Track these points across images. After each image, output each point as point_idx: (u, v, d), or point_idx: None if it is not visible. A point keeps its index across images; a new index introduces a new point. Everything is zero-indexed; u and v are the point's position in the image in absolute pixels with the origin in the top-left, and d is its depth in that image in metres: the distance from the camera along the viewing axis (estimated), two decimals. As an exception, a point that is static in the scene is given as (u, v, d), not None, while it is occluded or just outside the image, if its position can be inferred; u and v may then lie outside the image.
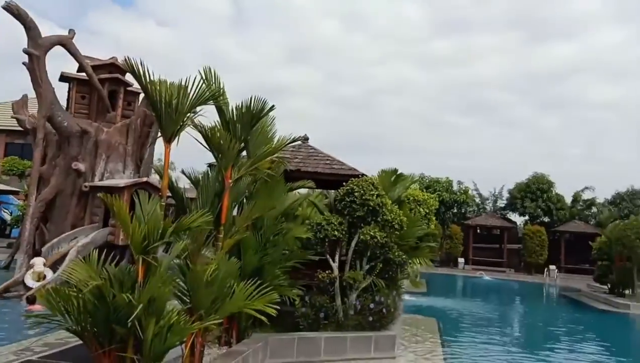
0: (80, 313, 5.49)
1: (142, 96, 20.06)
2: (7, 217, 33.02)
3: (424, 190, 27.70)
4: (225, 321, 8.21)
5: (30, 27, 16.98)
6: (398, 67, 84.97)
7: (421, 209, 17.77)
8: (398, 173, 12.68)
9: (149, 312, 5.58)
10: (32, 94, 18.42)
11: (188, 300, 7.08)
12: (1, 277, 16.44)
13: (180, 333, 5.92)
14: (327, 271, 9.75)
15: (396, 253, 10.31)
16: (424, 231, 13.11)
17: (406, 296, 16.11)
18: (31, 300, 12.13)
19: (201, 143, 8.18)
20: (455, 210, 40.09)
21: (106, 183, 18.20)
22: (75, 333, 5.70)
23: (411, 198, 17.63)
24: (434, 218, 20.19)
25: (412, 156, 73.15)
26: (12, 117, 20.36)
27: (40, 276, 14.86)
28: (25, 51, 16.94)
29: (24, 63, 17.37)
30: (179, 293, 7.14)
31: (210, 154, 8.29)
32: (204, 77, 7.61)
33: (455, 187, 39.27)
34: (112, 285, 5.69)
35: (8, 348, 8.31)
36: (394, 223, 10.22)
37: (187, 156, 10.24)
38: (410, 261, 12.07)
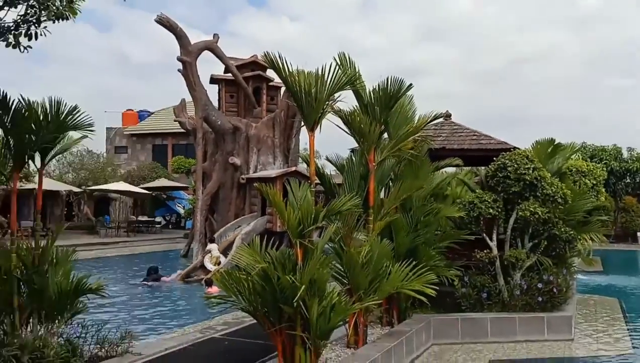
0: (250, 294, 6.07)
1: (283, 89, 21.12)
2: (181, 211, 37.04)
3: (588, 160, 25.25)
4: (384, 302, 8.44)
5: (180, 36, 18.75)
6: (541, 33, 78.13)
7: (587, 181, 16.32)
8: (555, 143, 11.73)
9: (312, 293, 6.00)
10: (189, 98, 20.42)
11: (346, 282, 7.44)
12: (183, 264, 18.62)
13: (343, 313, 6.27)
14: (485, 251, 9.48)
15: (562, 229, 9.63)
16: (593, 204, 12.04)
17: (579, 276, 14.89)
18: (209, 283, 13.57)
19: (342, 129, 8.45)
20: (628, 180, 35.71)
21: (260, 174, 19.56)
22: (249, 313, 6.34)
23: (573, 169, 16.30)
24: (603, 190, 18.37)
25: (565, 125, 66.47)
26: (174, 120, 22.70)
27: (217, 261, 16.50)
28: (179, 59, 18.76)
29: (179, 70, 19.24)
30: (337, 275, 7.53)
31: (352, 139, 8.53)
32: (339, 64, 7.83)
33: (625, 154, 34.96)
34: (275, 267, 6.20)
35: (195, 326, 9.46)
36: (556, 197, 9.53)
37: (329, 143, 10.63)
38: (579, 237, 11.15)
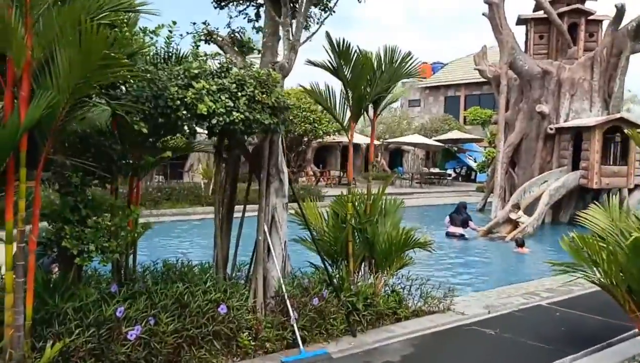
0: (610, 267, 5.00)
1: (605, 22, 17.98)
2: (472, 163, 36.16)
3: None
4: None
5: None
6: None
7: None
8: None
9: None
10: (489, 45, 19.10)
11: None
12: (478, 219, 17.89)
13: None
14: None
15: None
16: None
17: None
18: (521, 243, 12.57)
19: None
20: None
21: (573, 123, 17.27)
22: (605, 289, 5.28)
23: None
24: None
25: None
26: (474, 69, 21.64)
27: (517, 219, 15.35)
28: (485, 1, 17.54)
29: (483, 14, 18.03)
30: None
31: None
32: None
33: None
34: None
35: (512, 289, 8.67)
36: None
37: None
38: None
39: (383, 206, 6.55)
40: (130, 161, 5.49)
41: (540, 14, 18.68)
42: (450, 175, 35.73)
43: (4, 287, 4.29)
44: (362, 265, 6.58)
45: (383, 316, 6.17)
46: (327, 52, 6.08)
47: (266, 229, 5.85)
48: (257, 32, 6.86)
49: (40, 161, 4.21)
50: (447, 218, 14.94)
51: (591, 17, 18.23)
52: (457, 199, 27.26)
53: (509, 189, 19.09)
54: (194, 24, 6.28)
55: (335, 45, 5.83)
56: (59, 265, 5.26)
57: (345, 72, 6.05)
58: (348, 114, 6.47)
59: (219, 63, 4.91)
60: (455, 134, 33.48)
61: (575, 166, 17.17)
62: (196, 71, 4.65)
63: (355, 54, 5.85)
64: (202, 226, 14.41)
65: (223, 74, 4.95)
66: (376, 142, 33.38)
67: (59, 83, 3.92)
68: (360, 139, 31.91)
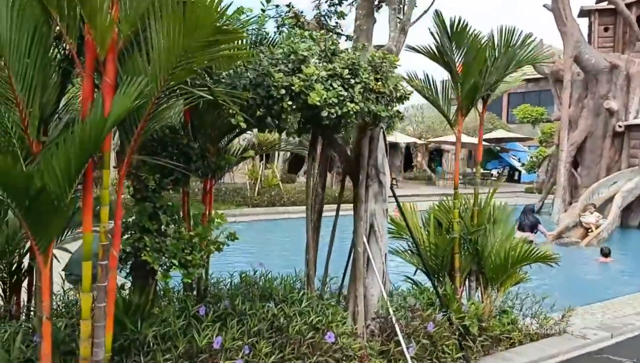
0: None
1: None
2: (517, 163, 34.81)
3: None
4: None
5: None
6: None
7: None
8: None
9: None
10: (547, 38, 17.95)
11: None
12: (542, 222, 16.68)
13: None
14: None
15: None
16: None
17: None
18: (606, 253, 11.44)
19: None
20: None
21: (646, 119, 16.06)
22: None
23: None
24: None
25: None
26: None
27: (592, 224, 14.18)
28: (548, -8, 16.49)
29: (544, 6, 16.96)
30: None
31: None
32: None
33: None
34: None
35: (622, 304, 7.63)
36: None
37: None
38: None
39: (491, 213, 5.68)
40: (212, 161, 4.79)
41: (605, 4, 17.51)
42: (492, 175, 34.45)
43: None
44: (467, 281, 5.73)
45: (497, 341, 5.32)
46: (432, 35, 5.27)
47: (365, 239, 5.06)
48: (340, 17, 6.10)
49: (123, 162, 3.51)
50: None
51: (662, 6, 16.99)
52: (505, 201, 26.14)
53: (570, 191, 17.96)
54: (277, 7, 5.55)
55: (448, 25, 5.01)
56: (133, 280, 4.54)
57: (455, 58, 5.22)
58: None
59: (324, 45, 4.11)
60: (500, 133, 32.18)
61: (648, 166, 15.96)
62: (305, 54, 3.87)
63: (472, 36, 5.01)
64: (250, 229, 13.69)
65: (329, 58, 4.16)
66: (420, 141, 32.38)
67: (155, 65, 3.20)
68: (400, 138, 30.92)
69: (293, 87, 3.80)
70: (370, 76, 4.08)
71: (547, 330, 5.80)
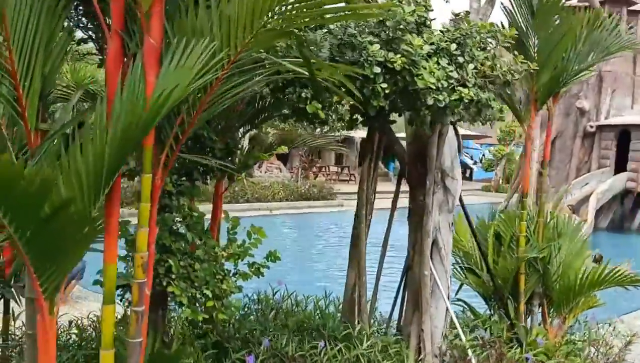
0: None
1: (648, 13, 16.84)
2: (469, 161, 35.01)
3: None
4: None
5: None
6: None
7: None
8: None
9: None
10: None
11: None
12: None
13: None
14: None
15: None
16: None
17: None
18: (598, 259, 11.02)
19: None
20: None
21: (617, 120, 16.04)
22: None
23: None
24: None
25: None
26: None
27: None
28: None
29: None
30: None
31: None
32: None
33: None
34: None
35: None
36: None
37: None
38: None
39: (556, 226, 4.88)
40: (240, 157, 3.80)
41: (574, 2, 17.35)
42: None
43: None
44: (531, 304, 4.90)
45: (569, 379, 4.53)
46: (505, 11, 4.38)
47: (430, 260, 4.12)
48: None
49: (160, 162, 2.39)
50: None
51: (632, 8, 17.03)
52: (466, 200, 26.02)
53: (535, 191, 17.82)
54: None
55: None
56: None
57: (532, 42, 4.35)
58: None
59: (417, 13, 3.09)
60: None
61: (618, 168, 15.95)
62: (411, 19, 2.84)
63: (560, 16, 4.16)
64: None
65: (422, 29, 3.15)
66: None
67: (230, 21, 2.09)
68: (355, 133, 30.30)
69: (395, 65, 2.78)
70: (481, 54, 3.11)
71: (609, 359, 5.08)
